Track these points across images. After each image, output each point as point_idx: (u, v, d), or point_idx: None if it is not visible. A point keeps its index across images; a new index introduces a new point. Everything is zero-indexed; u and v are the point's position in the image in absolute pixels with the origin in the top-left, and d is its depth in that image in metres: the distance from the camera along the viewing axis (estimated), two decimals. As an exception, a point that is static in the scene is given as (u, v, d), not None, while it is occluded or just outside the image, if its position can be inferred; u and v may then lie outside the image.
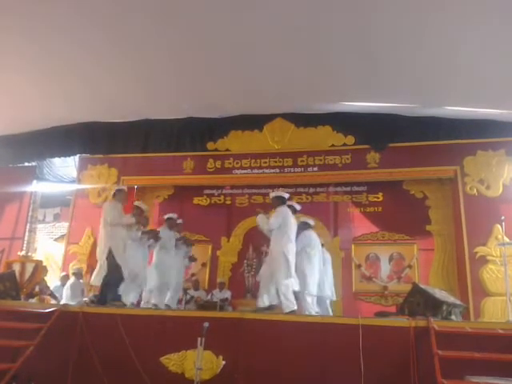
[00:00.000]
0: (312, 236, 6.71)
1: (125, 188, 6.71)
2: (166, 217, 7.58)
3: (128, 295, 6.22)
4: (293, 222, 5.99)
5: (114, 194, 6.52)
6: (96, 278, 6.20)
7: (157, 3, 5.67)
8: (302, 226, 6.59)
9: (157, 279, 6.96)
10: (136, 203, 6.83)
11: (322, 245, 7.12)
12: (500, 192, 7.82)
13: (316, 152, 8.78)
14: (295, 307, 5.56)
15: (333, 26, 5.98)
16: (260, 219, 6.06)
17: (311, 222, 6.96)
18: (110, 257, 5.99)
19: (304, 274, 6.23)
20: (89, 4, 5.69)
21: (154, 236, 6.86)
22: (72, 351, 4.92)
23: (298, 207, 6.63)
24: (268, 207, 8.77)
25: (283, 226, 5.84)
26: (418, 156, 8.27)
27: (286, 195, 6.28)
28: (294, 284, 5.72)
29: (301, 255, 6.26)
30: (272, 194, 6.33)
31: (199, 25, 6.06)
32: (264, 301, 5.78)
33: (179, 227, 7.72)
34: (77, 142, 9.60)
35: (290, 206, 6.36)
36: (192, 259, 7.99)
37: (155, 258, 7.13)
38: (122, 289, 6.05)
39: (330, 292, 7.00)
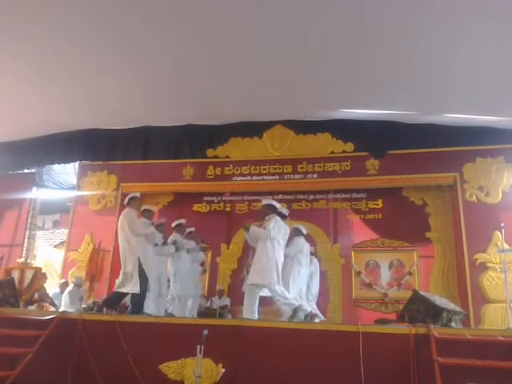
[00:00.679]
0: (303, 243, 6.73)
1: (138, 195, 6.52)
2: (174, 224, 7.51)
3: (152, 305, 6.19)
4: (284, 230, 5.95)
5: (129, 202, 6.34)
6: (128, 287, 5.91)
7: (158, 11, 5.70)
8: (295, 233, 6.60)
9: (177, 288, 6.97)
10: (145, 206, 6.76)
11: (311, 253, 7.13)
12: (499, 199, 7.83)
13: (315, 159, 8.80)
14: (297, 303, 5.56)
15: (332, 33, 6.00)
16: (254, 230, 5.88)
17: (303, 229, 6.98)
18: (140, 268, 5.86)
19: (288, 280, 6.25)
20: (91, 11, 5.72)
21: (176, 245, 6.86)
22: (71, 358, 4.89)
23: (285, 212, 6.52)
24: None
25: (277, 235, 5.81)
26: (417, 163, 8.28)
27: (278, 204, 6.21)
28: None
29: (292, 261, 6.27)
30: (264, 202, 6.24)
31: (200, 32, 6.09)
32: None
33: (191, 234, 7.71)
34: (77, 149, 9.61)
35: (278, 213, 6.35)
36: (202, 264, 8.07)
37: (172, 267, 7.12)
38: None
39: (308, 303, 6.90)
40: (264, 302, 8.12)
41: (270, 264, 5.69)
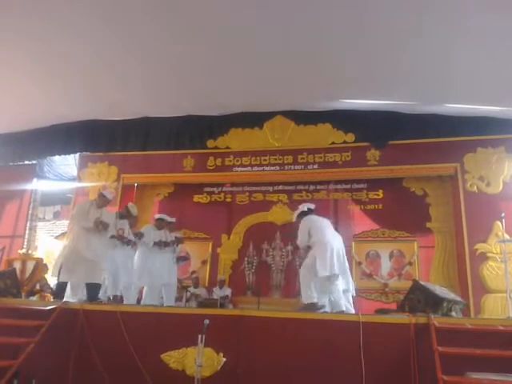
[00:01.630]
0: None
1: (107, 195, 6.44)
2: (156, 217, 7.61)
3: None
4: (318, 227, 5.96)
5: (98, 196, 6.51)
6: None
7: (158, 3, 5.67)
8: None
9: (143, 279, 7.00)
10: (128, 205, 6.91)
11: None
12: (500, 189, 7.82)
13: (316, 149, 8.78)
14: (316, 300, 5.56)
15: (332, 23, 5.96)
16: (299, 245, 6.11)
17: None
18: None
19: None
20: (92, 4, 5.69)
21: (125, 242, 6.72)
22: (73, 348, 4.93)
23: (311, 206, 6.50)
24: (268, 205, 8.90)
25: (312, 233, 5.84)
26: (418, 153, 8.27)
27: (304, 208, 6.27)
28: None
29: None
30: (294, 215, 6.31)
31: (200, 23, 6.05)
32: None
33: (171, 226, 7.67)
34: (77, 140, 9.59)
35: (309, 209, 6.36)
36: (183, 259, 7.86)
37: (137, 257, 7.09)
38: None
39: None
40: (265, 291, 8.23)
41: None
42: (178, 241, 7.58)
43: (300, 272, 5.92)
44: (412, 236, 8.49)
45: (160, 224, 7.41)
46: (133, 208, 6.98)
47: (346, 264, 6.11)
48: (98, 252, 5.95)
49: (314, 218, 6.10)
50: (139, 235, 7.00)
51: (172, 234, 7.57)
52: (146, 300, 7.03)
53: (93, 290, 5.88)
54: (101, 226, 5.96)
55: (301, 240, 5.96)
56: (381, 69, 6.94)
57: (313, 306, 5.46)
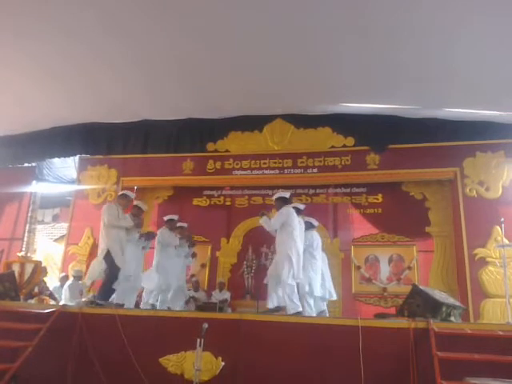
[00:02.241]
0: (315, 236, 6.73)
1: (130, 195, 6.59)
2: (166, 218, 7.57)
3: (122, 296, 6.24)
4: (297, 222, 5.98)
5: (118, 197, 6.55)
6: (89, 276, 6.34)
7: (158, 5, 5.68)
8: (306, 227, 6.60)
9: (157, 281, 6.97)
10: (136, 203, 6.82)
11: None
12: (499, 194, 7.82)
13: (316, 153, 8.79)
14: (300, 309, 5.57)
15: (333, 27, 5.98)
16: (263, 221, 6.05)
17: (315, 222, 6.97)
18: (109, 258, 5.98)
19: (308, 276, 6.25)
20: (92, 6, 5.70)
21: (150, 237, 6.90)
22: (71, 352, 4.91)
23: (301, 207, 6.66)
24: (268, 208, 8.87)
25: (287, 225, 5.83)
26: (417, 157, 8.27)
27: (287, 195, 6.26)
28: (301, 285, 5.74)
29: (304, 255, 6.27)
30: (275, 196, 6.31)
31: (200, 26, 6.07)
32: (273, 302, 5.80)
33: (183, 231, 7.71)
34: (77, 143, 9.60)
35: (293, 207, 6.41)
36: (193, 255, 8.00)
37: (156, 260, 7.13)
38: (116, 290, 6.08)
39: (331, 291, 7.03)
40: (264, 295, 8.20)
41: (283, 257, 5.76)
42: (192, 243, 7.79)
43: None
44: (411, 240, 8.48)
45: (171, 225, 7.40)
46: (142, 204, 6.94)
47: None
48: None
49: (294, 214, 6.05)
50: (151, 235, 7.03)
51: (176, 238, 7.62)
52: (151, 301, 7.05)
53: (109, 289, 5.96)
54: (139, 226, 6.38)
55: (273, 224, 5.92)
56: (380, 73, 6.96)
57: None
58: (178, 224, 7.67)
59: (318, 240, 6.74)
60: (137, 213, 6.66)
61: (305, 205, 7.18)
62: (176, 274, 7.27)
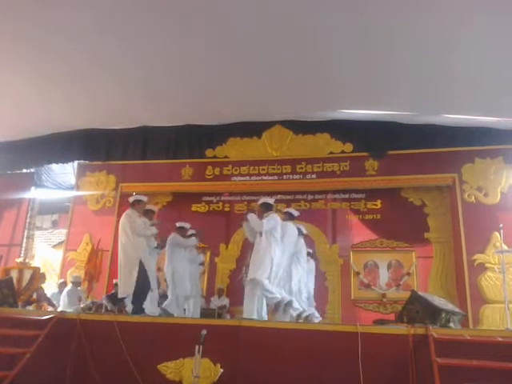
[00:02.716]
0: (302, 244, 6.72)
1: (145, 199, 6.41)
2: (178, 225, 7.47)
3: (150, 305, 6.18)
4: (280, 227, 5.93)
5: (133, 204, 6.27)
6: (124, 289, 5.98)
7: (157, 11, 5.70)
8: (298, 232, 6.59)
9: (173, 288, 6.97)
10: (148, 207, 6.65)
11: (309, 253, 7.13)
12: (498, 199, 7.84)
13: (314, 159, 8.81)
14: (280, 296, 5.58)
15: (332, 33, 6.00)
16: (252, 218, 5.87)
17: (303, 229, 6.96)
18: (142, 270, 5.88)
19: (290, 278, 6.25)
20: (91, 11, 5.72)
21: (164, 245, 6.82)
22: (69, 358, 4.89)
23: (295, 213, 6.66)
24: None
25: (274, 232, 5.80)
26: (416, 163, 8.29)
27: (272, 201, 6.19)
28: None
29: (291, 260, 6.27)
30: (259, 202, 6.22)
31: (199, 33, 6.09)
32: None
33: (201, 236, 7.68)
34: (75, 149, 9.62)
35: (286, 213, 6.45)
36: (201, 263, 8.03)
37: (170, 267, 7.09)
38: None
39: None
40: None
41: (264, 258, 5.68)
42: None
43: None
44: (410, 246, 8.49)
45: (182, 232, 7.34)
46: (154, 207, 6.89)
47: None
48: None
49: (279, 220, 5.97)
50: (162, 243, 6.85)
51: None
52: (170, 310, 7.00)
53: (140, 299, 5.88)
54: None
55: (264, 225, 5.77)
56: (379, 79, 6.98)
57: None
58: (190, 232, 7.62)
59: (304, 247, 6.74)
60: (151, 217, 6.50)
61: (300, 212, 7.15)
62: (193, 283, 7.26)
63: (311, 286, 7.31)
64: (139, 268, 5.87)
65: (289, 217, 6.48)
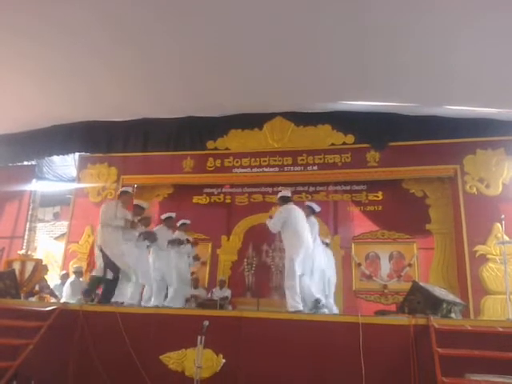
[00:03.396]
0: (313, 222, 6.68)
1: (129, 190, 6.51)
2: (163, 216, 7.52)
3: (124, 293, 6.16)
4: (300, 218, 5.90)
5: (120, 195, 6.37)
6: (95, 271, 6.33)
7: (158, 4, 5.67)
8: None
9: (154, 279, 6.94)
10: (136, 202, 6.78)
11: (327, 244, 7.14)
12: (500, 191, 7.83)
13: (316, 151, 8.79)
14: (300, 307, 5.53)
15: (332, 24, 5.98)
16: (268, 224, 6.00)
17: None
18: (104, 256, 5.94)
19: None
20: (92, 5, 5.70)
21: (150, 237, 6.70)
22: (72, 349, 4.91)
23: (317, 208, 6.58)
24: (268, 206, 8.87)
25: (289, 224, 5.78)
26: (417, 155, 8.28)
27: (288, 193, 6.22)
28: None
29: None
30: (278, 195, 6.27)
31: (199, 25, 6.07)
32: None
33: (186, 228, 7.72)
34: (77, 141, 9.62)
35: (308, 207, 6.41)
36: (196, 258, 8.00)
37: (152, 258, 7.03)
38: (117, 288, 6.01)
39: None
40: (264, 293, 8.22)
41: (286, 258, 5.75)
42: (194, 243, 7.78)
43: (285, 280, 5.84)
44: (411, 237, 8.49)
45: (169, 223, 7.33)
46: (143, 204, 6.91)
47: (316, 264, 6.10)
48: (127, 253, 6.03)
49: (292, 208, 5.97)
50: (153, 236, 6.82)
51: (187, 236, 7.66)
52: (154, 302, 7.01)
53: (109, 289, 5.91)
54: (138, 224, 6.15)
55: (274, 225, 5.88)
56: (380, 70, 6.96)
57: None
58: (182, 221, 7.66)
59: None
60: (138, 212, 6.60)
61: (301, 203, 7.13)
62: (175, 273, 7.21)
63: (332, 274, 7.29)
64: (102, 256, 5.97)
65: (311, 211, 6.44)
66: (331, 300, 7.09)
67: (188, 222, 7.81)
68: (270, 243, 8.80)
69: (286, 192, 6.32)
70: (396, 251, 8.50)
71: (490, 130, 8.08)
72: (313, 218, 6.49)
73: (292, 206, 5.98)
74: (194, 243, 7.85)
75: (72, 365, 4.86)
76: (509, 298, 5.96)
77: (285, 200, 6.08)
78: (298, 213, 5.93)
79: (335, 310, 6.93)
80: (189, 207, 9.45)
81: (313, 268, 6.11)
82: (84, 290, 6.44)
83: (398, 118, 8.40)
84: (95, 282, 6.30)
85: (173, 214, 7.51)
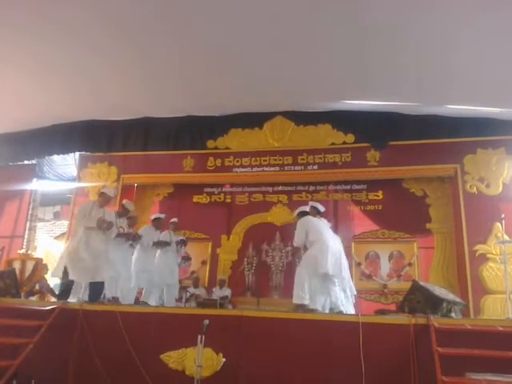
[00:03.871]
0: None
1: (108, 192, 6.36)
2: (152, 217, 7.58)
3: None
4: (318, 224, 6.07)
5: (98, 195, 6.41)
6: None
7: (158, 4, 5.67)
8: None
9: (138, 280, 6.89)
10: (123, 202, 6.82)
11: None
12: (500, 190, 7.82)
13: (316, 150, 8.78)
14: (306, 302, 5.56)
15: (332, 24, 5.97)
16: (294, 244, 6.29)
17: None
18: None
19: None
20: (92, 3, 5.69)
21: (130, 238, 6.63)
22: (72, 348, 4.93)
23: (321, 208, 6.61)
24: (267, 206, 8.88)
25: (310, 234, 5.91)
26: (418, 154, 8.26)
27: (305, 208, 6.38)
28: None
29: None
30: (295, 212, 6.49)
31: (200, 24, 6.06)
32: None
33: (175, 226, 7.74)
34: (77, 140, 9.60)
35: (313, 208, 6.46)
36: (186, 259, 7.99)
37: (135, 259, 6.98)
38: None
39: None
40: (264, 292, 8.23)
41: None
42: (183, 243, 7.73)
43: (297, 271, 5.92)
44: (412, 237, 8.48)
45: (157, 224, 7.36)
46: (128, 205, 6.87)
47: (345, 266, 6.11)
48: (98, 252, 5.84)
49: (311, 218, 6.16)
50: (137, 237, 6.81)
51: (176, 235, 7.69)
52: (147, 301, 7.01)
53: (95, 289, 5.83)
54: (105, 225, 5.87)
55: (297, 239, 6.02)
56: (380, 70, 6.95)
57: (302, 308, 5.50)
58: (171, 220, 7.69)
59: None
60: (123, 212, 6.61)
61: (301, 203, 7.19)
62: (163, 273, 7.19)
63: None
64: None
65: (316, 211, 6.48)
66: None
67: (176, 220, 7.82)
68: (269, 243, 8.82)
69: (304, 207, 6.46)
70: (396, 250, 8.50)
71: (491, 130, 8.07)
72: (323, 219, 6.55)
73: (309, 217, 6.15)
74: (183, 244, 7.79)
75: (72, 364, 4.88)
76: (509, 298, 5.97)
77: (303, 214, 6.24)
78: (317, 221, 6.12)
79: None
80: (189, 206, 9.46)
81: (344, 282, 6.19)
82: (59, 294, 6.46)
83: (398, 118, 8.39)
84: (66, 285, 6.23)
85: (162, 215, 7.57)
